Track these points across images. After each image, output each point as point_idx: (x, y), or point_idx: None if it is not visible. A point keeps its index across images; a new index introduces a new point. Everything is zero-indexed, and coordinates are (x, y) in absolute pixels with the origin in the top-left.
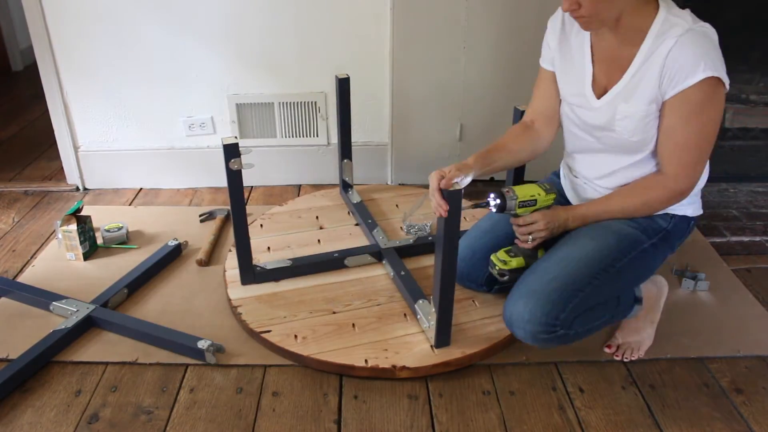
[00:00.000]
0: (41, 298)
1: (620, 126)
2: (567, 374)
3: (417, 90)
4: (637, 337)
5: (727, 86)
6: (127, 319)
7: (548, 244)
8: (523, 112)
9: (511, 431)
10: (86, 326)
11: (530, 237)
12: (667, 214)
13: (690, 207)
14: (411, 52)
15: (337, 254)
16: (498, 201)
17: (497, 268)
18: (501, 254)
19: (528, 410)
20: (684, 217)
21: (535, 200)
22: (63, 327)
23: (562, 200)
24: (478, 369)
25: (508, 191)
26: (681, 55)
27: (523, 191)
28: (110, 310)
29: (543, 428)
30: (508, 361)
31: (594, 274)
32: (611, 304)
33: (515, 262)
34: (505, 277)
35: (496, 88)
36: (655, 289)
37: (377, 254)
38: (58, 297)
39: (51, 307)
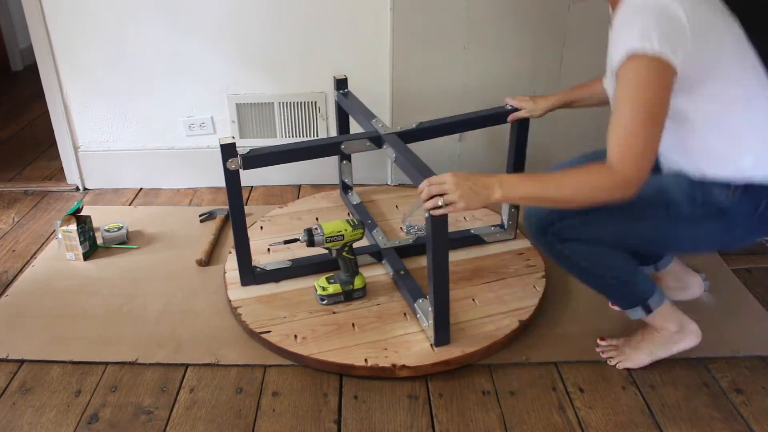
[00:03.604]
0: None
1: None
2: (567, 374)
3: (417, 90)
4: (632, 352)
5: (673, 64)
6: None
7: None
8: None
9: (511, 431)
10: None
11: (440, 200)
12: (728, 186)
13: (754, 168)
14: (411, 52)
15: None
16: (307, 237)
17: (318, 293)
18: (321, 281)
19: (528, 410)
20: (750, 189)
21: (342, 235)
22: None
23: None
24: (478, 369)
25: (316, 228)
26: (616, 27)
27: (330, 227)
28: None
29: (543, 428)
30: (508, 361)
31: (610, 208)
32: (621, 261)
33: (332, 288)
34: (324, 302)
35: (496, 89)
36: (675, 329)
37: (377, 254)
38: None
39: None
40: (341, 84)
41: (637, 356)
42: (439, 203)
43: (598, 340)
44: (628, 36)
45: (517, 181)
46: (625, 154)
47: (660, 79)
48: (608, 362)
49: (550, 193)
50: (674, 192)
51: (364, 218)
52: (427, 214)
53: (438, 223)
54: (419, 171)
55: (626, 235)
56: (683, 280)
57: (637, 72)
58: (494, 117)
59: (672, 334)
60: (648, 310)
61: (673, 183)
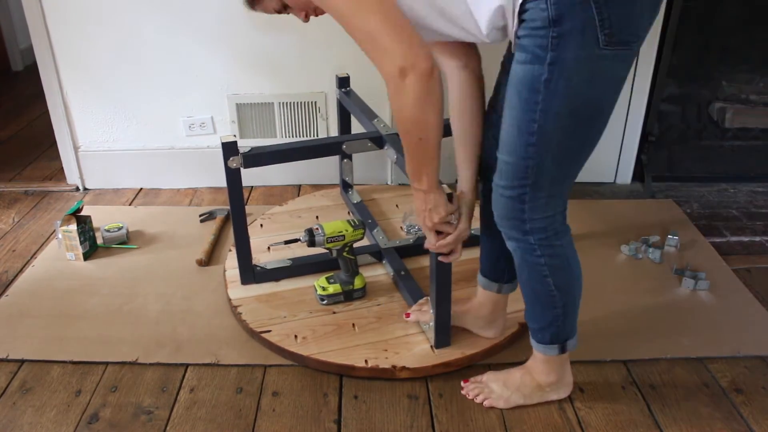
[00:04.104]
0: None
1: None
2: None
3: None
4: (497, 387)
5: None
6: None
7: None
8: None
9: (510, 431)
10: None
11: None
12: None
13: None
14: None
15: None
16: (308, 238)
17: (317, 293)
18: (321, 281)
19: (528, 410)
20: None
21: (343, 235)
22: None
23: None
24: (478, 369)
25: (317, 228)
26: None
27: (331, 228)
28: None
29: (543, 428)
30: (508, 362)
31: (523, 152)
32: (577, 293)
33: (332, 289)
34: (324, 302)
35: None
36: (555, 379)
37: (377, 254)
38: None
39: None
40: (343, 82)
41: (502, 398)
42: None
43: (462, 383)
44: None
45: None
46: (376, 58)
47: None
48: (474, 400)
49: (407, 140)
50: (519, 74)
51: (364, 217)
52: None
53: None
54: None
55: (566, 155)
56: (497, 316)
57: None
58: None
59: (549, 384)
60: (562, 351)
61: (512, 75)
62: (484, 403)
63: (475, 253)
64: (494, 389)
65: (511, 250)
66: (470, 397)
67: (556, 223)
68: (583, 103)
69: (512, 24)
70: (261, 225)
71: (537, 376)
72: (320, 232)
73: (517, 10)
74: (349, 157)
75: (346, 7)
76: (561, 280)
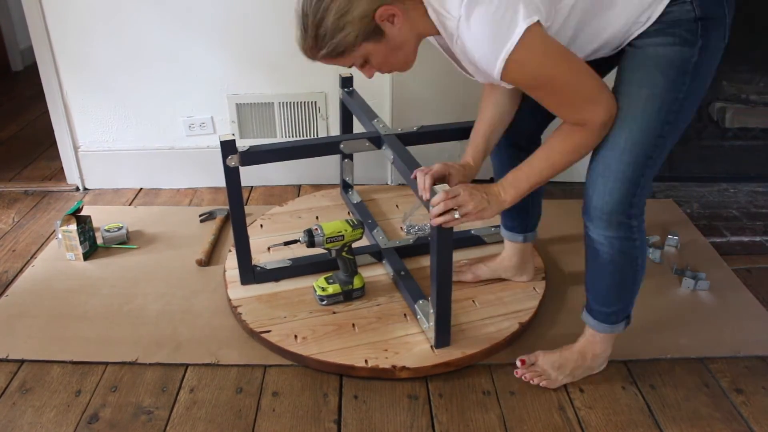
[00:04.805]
0: None
1: None
2: None
3: (417, 90)
4: (553, 371)
5: (541, 18)
6: None
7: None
8: None
9: (511, 431)
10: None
11: (456, 213)
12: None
13: None
14: None
15: None
16: (307, 238)
17: (317, 294)
18: (321, 282)
19: (528, 410)
20: None
21: (342, 235)
22: None
23: None
24: (478, 369)
25: (316, 229)
26: (472, 47)
27: (330, 228)
28: None
29: (543, 428)
30: (509, 361)
31: (659, 132)
32: (642, 272)
33: (332, 289)
34: (324, 302)
35: None
36: (609, 351)
37: (377, 254)
38: None
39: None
40: (346, 82)
41: (557, 375)
42: (456, 216)
43: (517, 361)
44: (497, 38)
45: (514, 178)
46: (583, 111)
47: (544, 37)
48: (525, 378)
49: (548, 173)
50: (667, 55)
51: (364, 217)
52: (430, 221)
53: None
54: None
55: (679, 135)
56: (526, 262)
57: (529, 55)
58: None
59: (603, 358)
60: (628, 323)
61: (652, 55)
62: (540, 384)
63: (473, 254)
64: (551, 374)
65: (596, 243)
66: (525, 380)
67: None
68: (705, 89)
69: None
70: (261, 225)
71: (592, 355)
72: (319, 232)
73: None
74: (350, 157)
75: (564, 75)
76: (644, 260)
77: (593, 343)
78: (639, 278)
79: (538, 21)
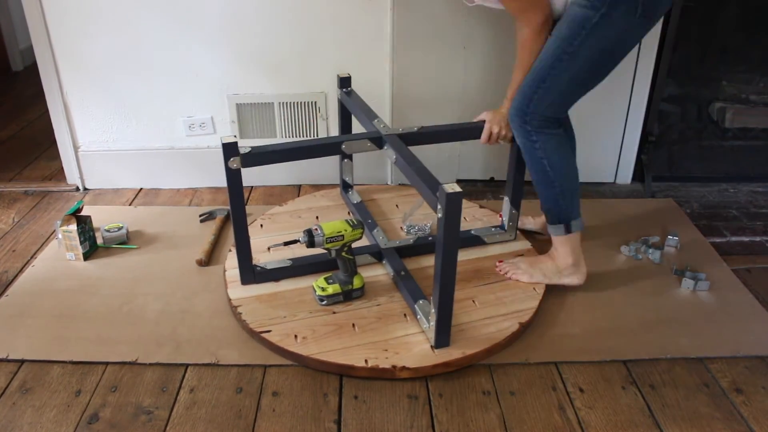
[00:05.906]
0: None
1: None
2: (567, 374)
3: (417, 90)
4: (526, 268)
5: None
6: None
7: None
8: None
9: (511, 431)
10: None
11: (500, 141)
12: None
13: None
14: (411, 52)
15: None
16: (307, 238)
17: (317, 294)
18: (320, 282)
19: (528, 410)
20: None
21: (342, 235)
22: None
23: None
24: (478, 369)
25: (316, 229)
26: None
27: (330, 228)
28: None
29: (543, 428)
30: (508, 361)
31: (551, 64)
32: (573, 173)
33: (331, 289)
34: (324, 302)
35: (496, 88)
36: (571, 262)
37: (377, 254)
38: None
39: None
40: (345, 82)
41: (531, 271)
42: (501, 142)
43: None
44: None
45: (513, 83)
46: (528, 12)
47: None
48: (504, 276)
49: (519, 70)
50: (576, 13)
51: (364, 217)
52: (439, 215)
53: (450, 225)
54: (418, 174)
55: (578, 78)
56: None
57: None
58: None
59: (566, 267)
60: (567, 231)
61: (570, 14)
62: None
63: (474, 254)
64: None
65: (519, 144)
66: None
67: (551, 125)
68: (608, 49)
69: None
70: (261, 225)
71: (557, 260)
72: (319, 232)
73: None
74: (350, 157)
75: None
76: (553, 161)
77: (554, 247)
78: (556, 183)
79: None
